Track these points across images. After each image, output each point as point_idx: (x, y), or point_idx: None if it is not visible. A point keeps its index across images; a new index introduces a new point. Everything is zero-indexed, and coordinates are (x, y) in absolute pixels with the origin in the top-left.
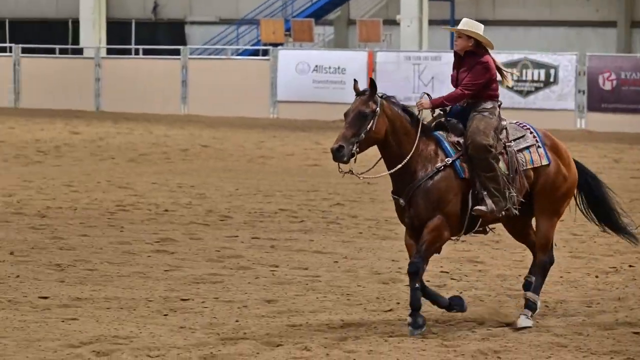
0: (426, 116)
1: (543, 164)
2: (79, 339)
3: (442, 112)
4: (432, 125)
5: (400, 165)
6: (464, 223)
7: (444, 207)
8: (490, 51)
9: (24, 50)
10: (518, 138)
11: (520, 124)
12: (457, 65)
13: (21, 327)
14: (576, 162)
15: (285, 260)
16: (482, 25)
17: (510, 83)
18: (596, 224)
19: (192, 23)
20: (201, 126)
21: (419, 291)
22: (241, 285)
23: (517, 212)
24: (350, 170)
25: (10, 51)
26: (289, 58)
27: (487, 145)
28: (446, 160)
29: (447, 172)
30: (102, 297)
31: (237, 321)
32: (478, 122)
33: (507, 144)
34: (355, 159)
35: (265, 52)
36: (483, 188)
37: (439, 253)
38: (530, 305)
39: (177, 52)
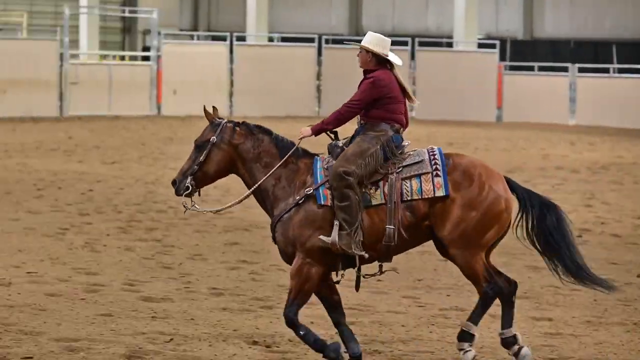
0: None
1: (437, 194)
2: None
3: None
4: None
5: (243, 197)
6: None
7: (304, 244)
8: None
9: None
10: (411, 164)
11: (430, 149)
12: None
13: None
14: (525, 189)
15: None
16: (389, 41)
17: (415, 102)
18: (551, 266)
19: None
20: None
21: (311, 333)
22: None
23: (395, 244)
24: (185, 205)
25: None
26: None
27: (341, 173)
28: (306, 190)
29: (307, 203)
30: None
31: None
32: (351, 147)
33: (391, 171)
34: (198, 193)
35: None
36: (336, 217)
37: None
38: (465, 337)
39: None
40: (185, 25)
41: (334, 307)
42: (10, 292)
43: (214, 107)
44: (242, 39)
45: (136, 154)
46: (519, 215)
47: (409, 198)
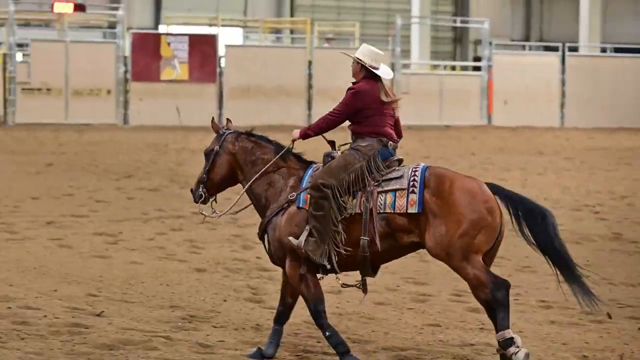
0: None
1: (410, 211)
2: None
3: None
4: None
5: (236, 200)
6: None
7: (288, 246)
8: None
9: None
10: (391, 179)
11: (415, 166)
12: None
13: None
14: (511, 194)
15: None
16: (382, 54)
17: (398, 111)
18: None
19: None
20: None
21: (336, 335)
22: None
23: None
24: (202, 212)
25: None
26: None
27: (319, 185)
28: (290, 195)
29: (291, 207)
30: None
31: None
32: (336, 160)
33: (370, 184)
34: (215, 200)
35: None
36: (308, 223)
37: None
38: (507, 343)
39: None
40: (517, 35)
41: (288, 308)
42: (339, 300)
43: (227, 119)
44: (574, 49)
45: (466, 163)
46: (512, 220)
47: (381, 211)
